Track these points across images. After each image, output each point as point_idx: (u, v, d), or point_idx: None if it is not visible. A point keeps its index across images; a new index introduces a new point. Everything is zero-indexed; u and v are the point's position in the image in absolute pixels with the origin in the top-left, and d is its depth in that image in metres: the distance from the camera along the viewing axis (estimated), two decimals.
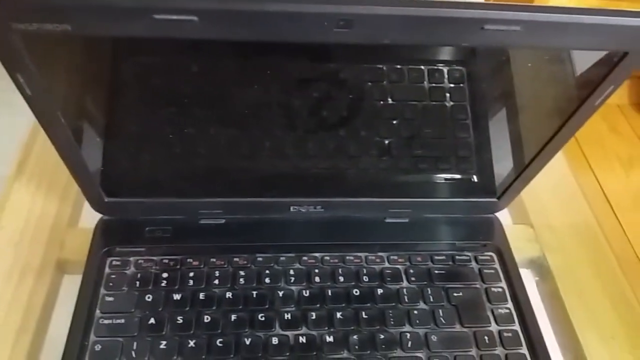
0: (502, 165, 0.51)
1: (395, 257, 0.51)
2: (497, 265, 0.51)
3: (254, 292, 0.47)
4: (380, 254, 0.51)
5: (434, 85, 0.51)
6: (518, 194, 0.52)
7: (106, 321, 0.44)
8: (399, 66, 0.50)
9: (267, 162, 0.50)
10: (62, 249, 0.52)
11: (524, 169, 0.48)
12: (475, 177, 0.53)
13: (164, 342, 0.43)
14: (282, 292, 0.47)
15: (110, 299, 0.46)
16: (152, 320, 0.45)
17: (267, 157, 0.50)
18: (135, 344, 0.43)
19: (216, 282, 0.47)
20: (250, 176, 0.50)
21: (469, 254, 0.52)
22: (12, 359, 0.44)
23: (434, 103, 0.51)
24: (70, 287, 0.51)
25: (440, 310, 0.47)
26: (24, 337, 0.46)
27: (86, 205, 0.52)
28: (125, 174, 0.49)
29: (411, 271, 0.50)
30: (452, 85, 0.51)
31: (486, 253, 0.52)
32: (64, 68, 0.40)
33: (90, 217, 0.51)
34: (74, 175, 0.44)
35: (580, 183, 0.62)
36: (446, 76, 0.51)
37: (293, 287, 0.48)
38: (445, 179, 0.53)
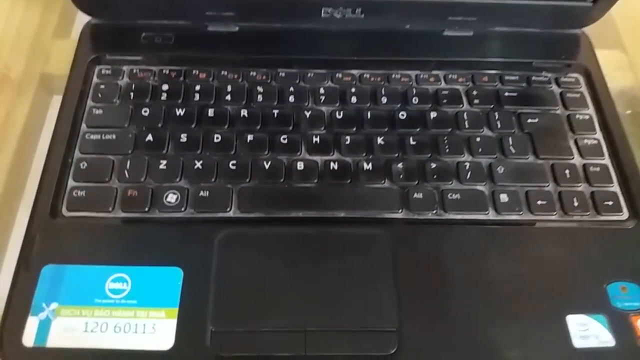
0: None
1: (455, 77, 0.40)
2: (583, 89, 0.40)
3: (275, 112, 0.38)
4: (435, 72, 0.40)
5: None
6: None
7: (93, 136, 0.36)
8: None
9: None
10: (46, 62, 0.43)
11: None
12: None
13: (165, 162, 0.35)
14: (309, 112, 0.38)
15: (99, 111, 0.37)
16: (149, 137, 0.36)
17: None
18: (128, 162, 0.35)
19: (228, 98, 0.38)
20: None
21: (549, 74, 0.41)
22: None
23: None
24: None
25: (510, 138, 0.37)
26: (3, 154, 0.38)
27: (78, 18, 0.42)
28: None
29: (474, 92, 0.39)
30: None
31: (570, 74, 0.41)
32: None
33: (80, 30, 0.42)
34: None
35: None
36: None
37: (323, 108, 0.38)
38: None
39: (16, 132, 0.40)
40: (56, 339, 0.30)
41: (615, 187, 0.36)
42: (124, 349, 0.30)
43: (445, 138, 0.37)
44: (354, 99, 0.39)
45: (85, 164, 0.35)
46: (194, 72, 0.39)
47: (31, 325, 0.30)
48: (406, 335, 0.30)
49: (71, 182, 0.34)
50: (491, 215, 0.35)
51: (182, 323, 0.30)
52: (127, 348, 0.30)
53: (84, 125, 0.37)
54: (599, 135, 0.38)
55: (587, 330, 0.31)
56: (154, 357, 0.29)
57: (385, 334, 0.30)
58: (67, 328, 0.30)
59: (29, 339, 0.30)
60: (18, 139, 0.39)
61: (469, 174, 0.36)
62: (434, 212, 0.34)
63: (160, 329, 0.30)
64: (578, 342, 0.31)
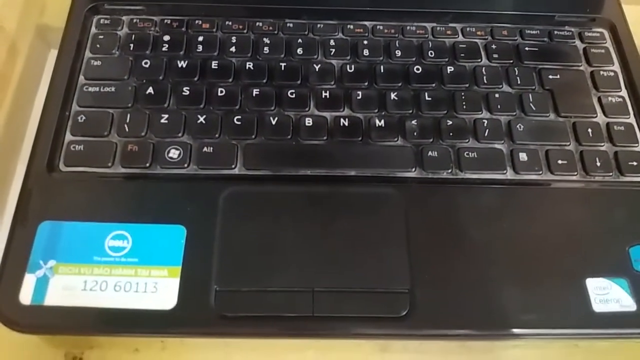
0: None
1: (473, 30, 0.38)
2: (608, 45, 0.38)
3: (282, 65, 0.36)
4: (452, 25, 0.38)
5: None
6: None
7: (92, 89, 0.34)
8: None
9: None
10: (42, 14, 0.41)
11: None
12: None
13: (166, 116, 0.33)
14: (318, 65, 0.36)
15: (97, 63, 0.35)
16: (150, 90, 0.34)
17: None
18: (128, 116, 0.33)
19: (233, 49, 0.36)
20: None
21: (572, 29, 0.38)
22: None
23: None
24: None
25: (530, 95, 0.35)
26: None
27: None
28: None
29: (493, 47, 0.37)
30: None
31: (595, 29, 0.39)
32: None
33: None
34: None
35: None
36: None
37: (333, 61, 0.36)
38: None
39: (12, 86, 0.38)
40: (54, 297, 0.28)
41: None
42: (125, 308, 0.28)
43: (462, 94, 0.35)
44: (366, 52, 0.36)
45: (84, 118, 0.33)
46: (196, 22, 0.37)
47: (28, 283, 0.29)
48: (418, 296, 0.29)
49: (69, 136, 0.33)
50: (509, 174, 0.33)
51: (185, 282, 0.29)
52: (128, 307, 0.28)
53: (81, 78, 0.35)
54: (624, 93, 0.36)
55: (607, 294, 0.30)
56: (156, 317, 0.28)
57: (397, 295, 0.29)
58: (66, 286, 0.29)
59: (26, 296, 0.28)
60: (14, 93, 0.38)
61: (487, 131, 0.34)
62: (449, 171, 0.33)
63: (162, 287, 0.29)
64: (598, 306, 0.29)
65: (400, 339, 0.30)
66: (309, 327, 0.29)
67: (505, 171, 0.33)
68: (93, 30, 0.37)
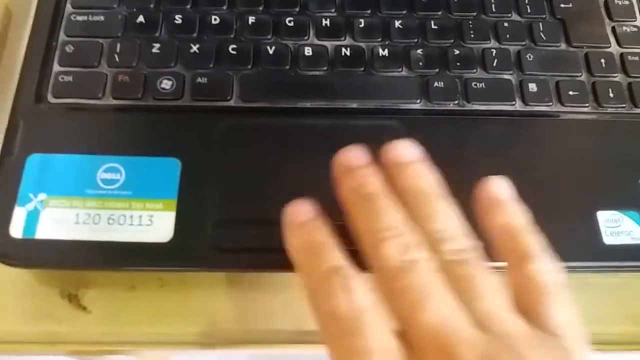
0: None
1: None
2: None
3: None
4: None
5: None
6: None
7: (80, 17, 0.32)
8: None
9: None
10: None
11: None
12: None
13: (158, 45, 0.32)
14: None
15: None
16: (141, 19, 0.33)
17: None
18: (118, 45, 0.32)
19: None
20: None
21: None
22: None
23: None
24: None
25: (540, 24, 0.34)
26: None
27: None
28: None
29: None
30: None
31: None
32: None
33: None
34: None
35: None
36: None
37: None
38: None
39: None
40: (46, 231, 0.27)
41: None
42: (119, 241, 0.27)
43: (469, 23, 0.33)
44: None
45: (72, 48, 0.32)
46: None
47: (18, 216, 0.28)
48: None
49: (56, 67, 0.31)
50: (518, 106, 0.32)
51: (181, 215, 0.28)
52: (123, 240, 0.27)
53: (68, 6, 0.33)
54: (639, 22, 0.34)
55: (618, 226, 0.29)
56: (152, 249, 0.27)
57: None
58: (57, 219, 0.28)
59: (16, 230, 0.27)
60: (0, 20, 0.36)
61: (495, 61, 0.32)
62: (456, 102, 0.31)
63: (157, 220, 0.28)
64: (608, 239, 0.28)
65: None
66: None
67: (514, 102, 0.32)
68: None
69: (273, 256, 0.28)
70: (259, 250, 0.28)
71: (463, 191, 0.29)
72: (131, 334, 0.29)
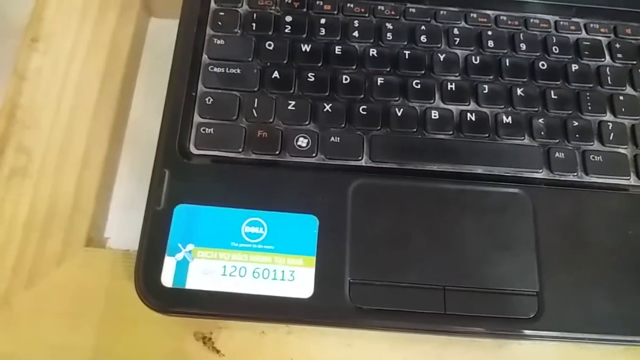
0: None
1: (596, 26, 0.37)
2: None
3: (406, 52, 0.35)
4: (575, 19, 0.37)
5: None
6: None
7: (217, 69, 0.34)
8: None
9: None
10: None
11: None
12: None
13: (293, 103, 0.33)
14: (443, 55, 0.35)
15: (220, 42, 0.35)
16: (275, 74, 0.34)
17: None
18: (256, 100, 0.33)
19: (355, 34, 0.35)
20: None
21: None
22: (100, 102, 0.35)
23: None
24: (158, 32, 0.40)
25: None
26: (112, 80, 0.36)
27: None
28: None
29: (617, 45, 0.36)
30: None
31: None
32: None
33: None
34: None
35: None
36: None
37: (458, 51, 0.36)
38: None
39: (122, 57, 0.37)
40: (195, 281, 0.29)
41: None
42: (264, 295, 0.29)
43: (587, 94, 0.35)
44: (490, 43, 0.36)
45: (211, 100, 0.33)
46: (317, 2, 0.36)
47: (169, 266, 0.29)
48: (547, 299, 0.30)
49: (197, 118, 0.33)
50: (632, 180, 0.33)
51: (320, 272, 0.30)
52: (268, 294, 0.29)
53: (205, 57, 0.34)
54: None
55: None
56: (294, 305, 0.29)
57: (526, 297, 0.30)
58: (205, 270, 0.29)
59: (167, 279, 0.29)
60: (125, 64, 0.37)
61: (612, 135, 0.34)
62: (575, 174, 0.33)
63: (299, 276, 0.30)
64: None
65: (530, 339, 0.30)
66: (441, 323, 0.30)
67: (629, 177, 0.33)
68: (213, 6, 0.36)
69: (408, 318, 0.30)
70: (394, 312, 0.29)
71: (581, 262, 0.31)
72: None
